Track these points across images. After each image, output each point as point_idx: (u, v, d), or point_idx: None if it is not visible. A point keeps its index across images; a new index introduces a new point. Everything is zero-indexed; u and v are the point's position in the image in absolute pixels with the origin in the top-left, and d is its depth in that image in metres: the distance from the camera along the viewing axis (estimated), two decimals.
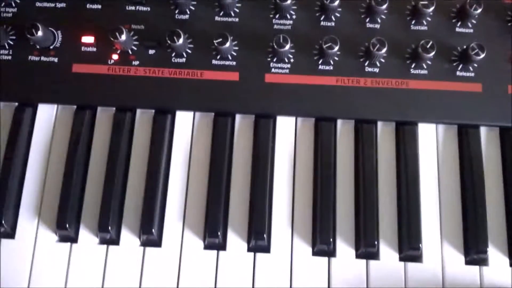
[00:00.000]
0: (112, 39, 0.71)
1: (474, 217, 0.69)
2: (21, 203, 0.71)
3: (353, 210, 0.71)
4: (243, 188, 0.72)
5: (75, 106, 0.75)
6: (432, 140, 0.74)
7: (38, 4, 0.77)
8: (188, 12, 0.76)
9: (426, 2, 0.72)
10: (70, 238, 0.70)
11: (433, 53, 0.70)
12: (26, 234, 0.70)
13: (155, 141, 0.74)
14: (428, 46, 0.70)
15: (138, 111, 0.75)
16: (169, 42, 0.71)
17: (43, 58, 0.75)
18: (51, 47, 0.75)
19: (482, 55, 0.70)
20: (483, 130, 0.74)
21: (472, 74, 0.74)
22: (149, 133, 0.75)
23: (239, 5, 0.76)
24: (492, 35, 0.75)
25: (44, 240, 0.70)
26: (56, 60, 0.75)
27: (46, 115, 0.75)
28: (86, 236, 0.70)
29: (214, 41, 0.71)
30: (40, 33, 0.72)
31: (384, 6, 0.72)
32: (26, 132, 0.74)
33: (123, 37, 0.71)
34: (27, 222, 0.71)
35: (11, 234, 0.70)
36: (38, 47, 0.75)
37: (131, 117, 0.75)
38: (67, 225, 0.69)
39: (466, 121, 0.73)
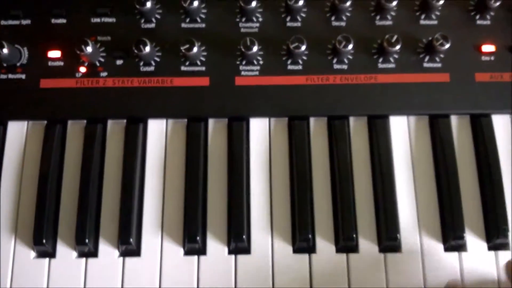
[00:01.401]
0: (78, 52, 0.77)
1: (450, 204, 0.75)
2: None
3: (331, 205, 0.77)
4: (220, 192, 0.78)
5: (45, 121, 0.81)
6: (404, 132, 0.80)
7: (3, 22, 0.83)
8: (154, 21, 0.82)
9: None
10: (48, 253, 0.76)
11: (398, 46, 0.77)
12: (3, 252, 0.75)
13: (128, 151, 0.79)
14: (393, 40, 0.77)
15: (110, 121, 0.81)
16: (136, 51, 0.77)
17: (10, 76, 0.81)
18: (18, 64, 0.81)
19: (447, 45, 0.78)
20: (454, 119, 0.81)
21: (439, 65, 0.81)
22: (122, 143, 0.80)
23: (205, 10, 0.83)
24: (457, 25, 0.82)
25: (22, 257, 0.75)
26: (23, 76, 0.81)
27: (17, 132, 0.81)
28: (64, 251, 0.75)
29: (181, 48, 0.77)
30: (5, 50, 0.77)
31: (348, 4, 0.79)
32: None
33: (89, 49, 0.77)
34: (3, 239, 0.76)
35: None
36: (4, 64, 0.80)
37: (102, 129, 0.81)
38: (44, 241, 0.74)
39: (436, 111, 0.80)
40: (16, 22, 0.83)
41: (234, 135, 0.80)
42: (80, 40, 0.77)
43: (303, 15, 0.83)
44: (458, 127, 0.81)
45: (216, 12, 0.83)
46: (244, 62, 0.81)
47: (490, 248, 0.75)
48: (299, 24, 0.82)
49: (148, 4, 0.78)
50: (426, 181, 0.78)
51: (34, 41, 0.82)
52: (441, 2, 0.79)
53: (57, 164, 0.79)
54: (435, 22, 0.82)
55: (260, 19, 0.83)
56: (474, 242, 0.75)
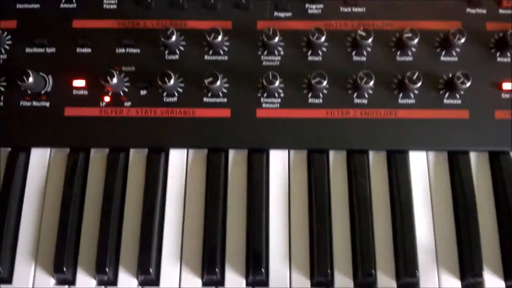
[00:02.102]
0: (103, 83, 0.81)
1: (468, 241, 0.79)
2: (18, 247, 0.81)
3: (349, 239, 0.80)
4: (239, 223, 0.81)
5: (68, 149, 0.85)
6: (423, 167, 0.84)
7: (28, 49, 0.88)
8: (178, 52, 0.87)
9: (410, 35, 0.83)
10: (68, 281, 0.79)
11: (419, 84, 0.81)
12: (24, 279, 0.79)
13: (150, 180, 0.83)
14: (414, 78, 0.82)
15: (132, 150, 0.85)
16: (160, 83, 0.81)
17: (35, 103, 0.85)
18: (43, 92, 0.86)
19: (468, 83, 0.82)
20: (473, 155, 0.85)
21: (459, 101, 0.85)
22: (143, 172, 0.84)
23: (228, 43, 0.87)
24: (477, 62, 0.87)
25: (41, 284, 0.79)
26: (48, 104, 0.85)
27: (40, 159, 0.85)
28: (84, 279, 0.79)
29: (205, 81, 0.82)
30: (31, 79, 0.82)
31: (369, 40, 0.83)
32: (20, 177, 0.84)
33: (114, 80, 0.81)
34: (24, 266, 0.80)
35: (8, 279, 0.79)
36: (29, 92, 0.85)
37: (124, 157, 0.85)
38: (64, 268, 0.78)
39: (455, 147, 0.84)
40: (41, 50, 0.88)
41: (254, 167, 0.84)
42: (106, 71, 0.82)
43: (324, 49, 0.87)
44: (477, 164, 0.84)
45: (238, 45, 0.87)
46: (265, 95, 0.85)
47: (508, 287, 0.78)
48: (320, 58, 0.87)
49: (173, 38, 0.83)
50: (445, 217, 0.82)
51: (59, 69, 0.87)
52: (462, 40, 0.83)
53: (79, 191, 0.83)
54: (456, 59, 0.86)
55: (282, 53, 0.87)
56: (492, 280, 0.78)
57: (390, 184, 0.83)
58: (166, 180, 0.84)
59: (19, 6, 0.89)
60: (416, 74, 0.82)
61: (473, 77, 0.83)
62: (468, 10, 0.88)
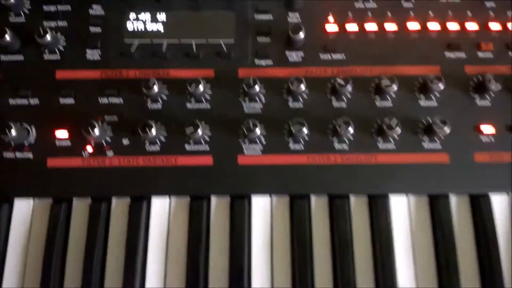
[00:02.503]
0: (85, 134, 0.84)
1: (449, 284, 0.81)
2: None
3: (332, 284, 0.82)
4: (222, 269, 0.83)
5: (51, 199, 0.87)
6: (404, 211, 0.87)
7: (11, 101, 0.91)
8: (160, 101, 0.90)
9: (388, 82, 0.86)
10: None
11: (398, 130, 0.84)
12: None
13: (132, 228, 0.86)
14: (392, 124, 0.84)
15: (114, 199, 0.88)
16: (142, 134, 0.84)
17: (18, 155, 0.88)
18: (26, 143, 0.88)
19: (446, 129, 0.84)
20: (453, 198, 0.87)
21: (439, 146, 0.87)
22: (126, 220, 0.86)
23: (210, 91, 0.90)
24: (456, 106, 0.89)
25: None
26: (31, 155, 0.88)
27: (23, 210, 0.87)
28: None
29: (186, 130, 0.84)
30: (13, 132, 0.85)
31: (348, 88, 0.86)
32: (4, 227, 0.86)
33: (96, 131, 0.84)
34: None
35: None
36: (12, 143, 0.88)
37: (107, 206, 0.87)
38: None
39: (435, 191, 0.87)
40: (25, 102, 0.90)
41: (236, 213, 0.86)
42: (87, 123, 0.84)
43: (305, 96, 0.90)
44: (458, 207, 0.87)
45: (221, 93, 0.90)
46: (247, 142, 0.88)
47: None
48: (301, 105, 0.90)
49: (155, 88, 0.86)
50: (426, 261, 0.84)
51: (42, 120, 0.89)
52: (441, 86, 0.86)
53: (62, 242, 0.85)
54: (435, 103, 0.89)
55: (263, 100, 0.90)
56: None
57: (372, 228, 0.86)
58: (148, 228, 0.86)
59: (3, 58, 0.92)
60: (395, 121, 0.85)
61: (452, 120, 0.86)
62: (447, 54, 0.92)
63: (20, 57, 0.93)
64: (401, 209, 0.86)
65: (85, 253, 0.84)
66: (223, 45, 0.93)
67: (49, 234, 0.85)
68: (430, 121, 0.86)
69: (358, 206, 0.87)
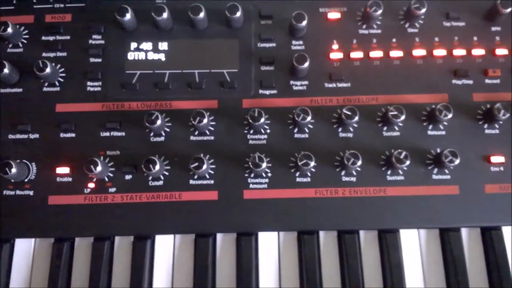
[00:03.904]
0: (87, 172, 0.78)
1: None
2: None
3: None
4: None
5: (53, 239, 0.82)
6: (415, 245, 0.81)
7: (11, 136, 0.85)
8: (164, 134, 0.84)
9: (395, 112, 0.81)
10: None
11: (407, 163, 0.79)
12: None
13: (136, 268, 0.80)
14: (401, 157, 0.79)
15: (117, 238, 0.82)
16: (145, 170, 0.78)
17: (18, 192, 0.82)
18: (26, 180, 0.82)
19: (457, 161, 0.79)
20: (464, 231, 0.82)
21: (448, 177, 0.82)
22: (129, 259, 0.81)
23: (213, 123, 0.84)
24: (465, 135, 0.84)
25: None
26: (31, 193, 0.82)
27: (24, 250, 0.82)
28: None
29: (190, 166, 0.79)
30: (13, 170, 0.79)
31: (355, 119, 0.81)
32: (5, 268, 0.81)
33: (98, 169, 0.78)
34: None
35: None
36: (12, 180, 0.82)
37: (110, 245, 0.82)
38: None
39: (446, 224, 0.81)
40: (25, 136, 0.84)
41: (243, 251, 0.81)
42: (89, 160, 0.78)
43: (311, 126, 0.84)
44: (469, 240, 0.82)
45: (224, 124, 0.85)
46: (252, 175, 0.83)
47: None
48: (306, 135, 0.84)
49: (158, 122, 0.80)
50: None
51: (43, 156, 0.84)
52: (449, 116, 0.81)
53: (64, 282, 0.80)
54: (443, 133, 0.84)
55: (268, 131, 0.84)
56: None
57: (382, 264, 0.80)
58: (152, 267, 0.81)
59: (1, 90, 0.86)
60: (404, 153, 0.79)
61: (461, 151, 0.81)
62: (454, 81, 0.86)
63: (19, 90, 0.87)
64: (412, 243, 0.81)
65: None
66: (226, 75, 0.87)
67: (52, 274, 0.80)
68: (439, 152, 0.81)
69: (368, 242, 0.82)
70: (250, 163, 0.79)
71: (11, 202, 0.82)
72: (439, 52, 0.88)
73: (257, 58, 0.87)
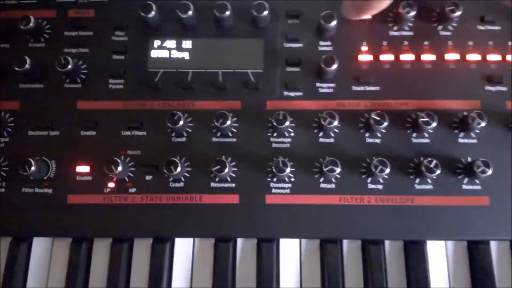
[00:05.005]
0: (107, 172, 0.75)
1: None
2: None
3: None
4: None
5: (71, 238, 0.79)
6: (442, 258, 0.77)
7: (31, 132, 0.82)
8: (185, 135, 0.81)
9: (426, 119, 0.76)
10: None
11: (437, 172, 0.74)
12: None
13: (154, 272, 0.77)
14: (431, 166, 0.74)
15: (136, 240, 0.79)
16: (166, 172, 0.75)
17: (37, 190, 0.79)
18: (45, 178, 0.79)
19: (489, 172, 0.74)
20: (493, 245, 0.77)
21: (479, 187, 0.77)
22: (148, 262, 0.78)
23: (236, 124, 0.81)
24: (497, 144, 0.79)
25: None
26: (50, 191, 0.79)
27: (42, 249, 0.79)
28: None
29: (212, 169, 0.75)
30: (33, 168, 0.76)
31: (384, 125, 0.76)
32: (21, 268, 0.78)
33: (119, 169, 0.75)
34: None
35: None
36: (32, 178, 0.79)
37: (128, 247, 0.78)
38: None
39: (475, 237, 0.76)
40: (45, 133, 0.81)
41: (264, 257, 0.77)
42: (110, 160, 0.75)
43: (337, 131, 0.80)
44: (498, 253, 0.77)
45: (247, 126, 0.81)
46: (275, 179, 0.79)
47: None
48: (332, 140, 0.80)
49: (181, 122, 0.77)
50: None
51: (63, 154, 0.80)
52: (482, 124, 0.76)
53: (81, 283, 0.77)
54: (475, 141, 0.79)
55: (292, 134, 0.80)
56: None
57: (408, 276, 0.76)
58: (171, 271, 0.77)
59: (22, 86, 0.83)
60: (434, 162, 0.75)
61: (493, 160, 0.75)
62: (487, 87, 0.81)
63: (40, 85, 0.83)
64: (439, 256, 0.77)
65: None
66: (250, 75, 0.83)
67: (69, 275, 0.77)
68: (471, 161, 0.77)
69: (393, 253, 0.77)
70: (273, 168, 0.75)
71: (29, 200, 0.79)
72: (473, 56, 0.83)
73: (283, 59, 0.83)
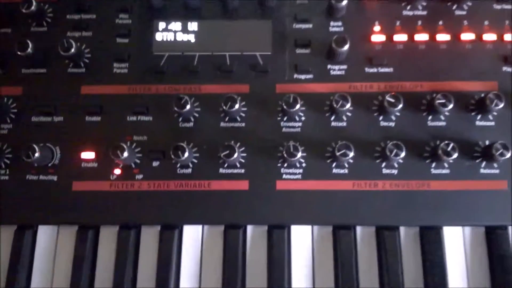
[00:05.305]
0: (113, 158, 0.72)
1: None
2: None
3: None
4: None
5: (77, 226, 0.76)
6: (459, 244, 0.74)
7: (34, 118, 0.79)
8: (192, 120, 0.78)
9: (443, 100, 0.73)
10: None
11: (454, 156, 0.71)
12: None
13: (162, 259, 0.74)
14: (449, 149, 0.71)
15: (143, 227, 0.76)
16: (173, 157, 0.72)
17: (41, 177, 0.77)
18: (50, 165, 0.77)
19: (508, 155, 0.71)
20: None
21: (497, 171, 0.74)
22: (156, 249, 0.75)
23: (244, 109, 0.78)
24: None
25: None
26: (55, 178, 0.77)
27: (47, 237, 0.77)
28: None
29: (221, 154, 0.72)
30: (37, 154, 0.73)
31: (399, 107, 0.73)
32: (27, 256, 0.76)
33: (125, 154, 0.72)
34: None
35: None
36: (36, 165, 0.76)
37: (136, 234, 0.76)
38: None
39: (493, 222, 0.73)
40: (48, 119, 0.79)
41: (275, 244, 0.74)
42: (116, 145, 0.72)
43: (349, 114, 0.77)
44: None
45: (256, 110, 0.78)
46: (285, 165, 0.76)
47: None
48: (344, 124, 0.77)
49: (188, 106, 0.74)
50: None
51: (67, 140, 0.78)
52: (500, 106, 0.73)
53: (88, 271, 0.75)
54: (492, 123, 0.76)
55: (303, 118, 0.77)
56: None
57: (424, 263, 0.73)
58: (180, 258, 0.75)
59: (24, 71, 0.81)
60: (451, 145, 0.71)
61: (511, 142, 0.73)
62: (504, 68, 0.78)
63: (42, 70, 0.81)
64: (456, 242, 0.74)
65: (113, 284, 0.73)
66: (259, 58, 0.80)
67: (75, 263, 0.74)
68: (489, 144, 0.73)
69: (408, 239, 0.74)
70: (284, 153, 0.72)
71: (34, 188, 0.76)
72: (489, 36, 0.79)
73: (292, 40, 0.80)
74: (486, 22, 0.80)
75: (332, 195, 0.75)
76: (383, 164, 0.75)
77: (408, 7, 0.81)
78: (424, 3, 0.81)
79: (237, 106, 0.74)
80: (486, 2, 0.81)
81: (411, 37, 0.80)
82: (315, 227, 0.76)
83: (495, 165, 0.74)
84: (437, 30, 0.80)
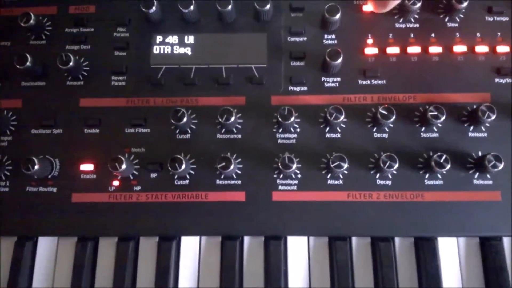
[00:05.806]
0: (111, 170, 0.72)
1: None
2: None
3: None
4: None
5: (76, 237, 0.77)
6: (453, 254, 0.74)
7: (34, 131, 0.79)
8: (189, 132, 0.78)
9: (435, 113, 0.73)
10: None
11: (447, 167, 0.71)
12: None
13: (161, 270, 0.74)
14: (441, 161, 0.71)
15: (142, 238, 0.76)
16: (171, 170, 0.72)
17: (41, 189, 0.77)
18: (49, 176, 0.77)
19: (500, 167, 0.71)
20: (506, 241, 0.74)
21: (490, 182, 0.74)
22: (154, 260, 0.75)
23: (241, 120, 0.78)
24: (508, 137, 0.76)
25: None
26: (55, 190, 0.77)
27: (47, 248, 0.77)
28: None
29: (217, 166, 0.72)
30: (36, 166, 0.73)
31: (392, 119, 0.73)
32: (27, 267, 0.76)
33: (123, 166, 0.72)
34: None
35: None
36: (36, 177, 0.77)
37: (134, 246, 0.76)
38: None
39: (487, 233, 0.73)
40: (48, 131, 0.79)
41: (271, 255, 0.74)
42: (114, 158, 0.72)
43: (343, 125, 0.77)
44: None
45: (252, 122, 0.78)
46: (281, 176, 0.76)
47: None
48: (338, 135, 0.77)
49: (184, 119, 0.74)
50: None
51: (66, 152, 0.78)
52: (493, 118, 0.73)
53: (88, 282, 0.75)
54: (485, 135, 0.76)
55: (298, 130, 0.78)
56: None
57: (419, 274, 0.73)
58: (178, 269, 0.75)
59: (23, 84, 0.81)
60: (444, 157, 0.72)
61: (504, 155, 0.73)
62: (497, 80, 0.78)
63: (42, 83, 0.81)
64: (450, 252, 0.74)
65: None
66: (254, 70, 0.80)
67: (75, 274, 0.74)
68: (482, 155, 0.74)
69: (403, 250, 0.74)
70: (279, 164, 0.73)
71: (34, 199, 0.76)
72: (481, 48, 0.80)
73: (287, 53, 0.80)
74: (478, 34, 0.81)
75: (328, 206, 0.75)
76: (377, 175, 0.75)
77: (401, 20, 0.81)
78: (416, 16, 0.81)
79: (233, 118, 0.74)
80: (478, 14, 0.81)
81: (403, 50, 0.80)
82: (311, 238, 0.76)
83: (488, 176, 0.75)
84: (429, 43, 0.80)
